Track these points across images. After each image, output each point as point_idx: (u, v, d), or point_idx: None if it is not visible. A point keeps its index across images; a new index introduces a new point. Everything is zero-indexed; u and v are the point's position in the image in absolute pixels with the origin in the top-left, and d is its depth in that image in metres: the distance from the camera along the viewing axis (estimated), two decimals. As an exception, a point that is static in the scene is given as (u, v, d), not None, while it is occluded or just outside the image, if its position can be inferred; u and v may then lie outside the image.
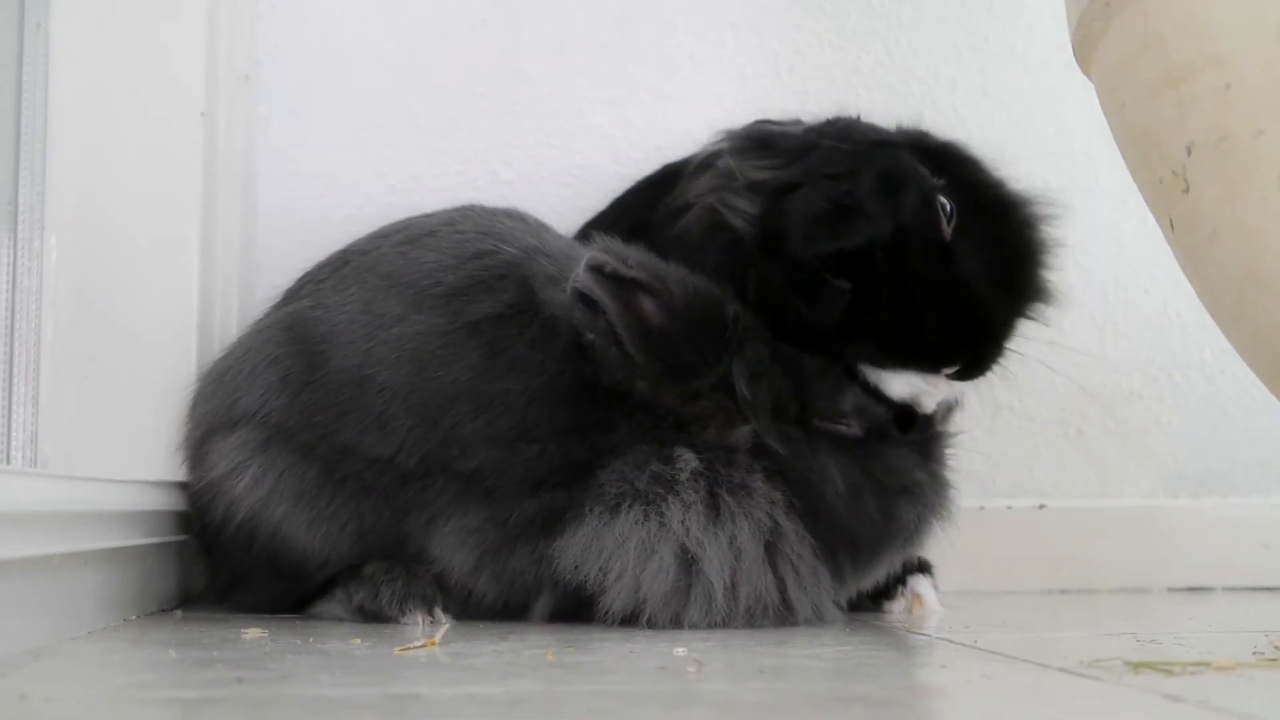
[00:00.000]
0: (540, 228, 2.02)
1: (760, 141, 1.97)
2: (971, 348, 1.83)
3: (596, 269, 1.73)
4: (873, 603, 2.03)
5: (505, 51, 2.54)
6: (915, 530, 1.84)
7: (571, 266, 1.80)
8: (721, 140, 2.00)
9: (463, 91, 2.53)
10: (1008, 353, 1.89)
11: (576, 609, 1.79)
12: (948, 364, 1.83)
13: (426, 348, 1.83)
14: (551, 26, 2.55)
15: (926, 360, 1.82)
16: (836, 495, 1.78)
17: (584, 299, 1.75)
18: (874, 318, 1.79)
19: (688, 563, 1.72)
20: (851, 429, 1.82)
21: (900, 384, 1.83)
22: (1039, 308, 1.94)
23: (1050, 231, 1.95)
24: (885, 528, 1.81)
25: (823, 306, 1.81)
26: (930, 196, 1.82)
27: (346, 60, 2.52)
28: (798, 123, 2.02)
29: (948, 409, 1.93)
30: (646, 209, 2.08)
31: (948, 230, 1.82)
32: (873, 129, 1.98)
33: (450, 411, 1.80)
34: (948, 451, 1.92)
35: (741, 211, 1.88)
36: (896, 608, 2.03)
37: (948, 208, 1.82)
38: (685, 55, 2.58)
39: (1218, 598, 2.44)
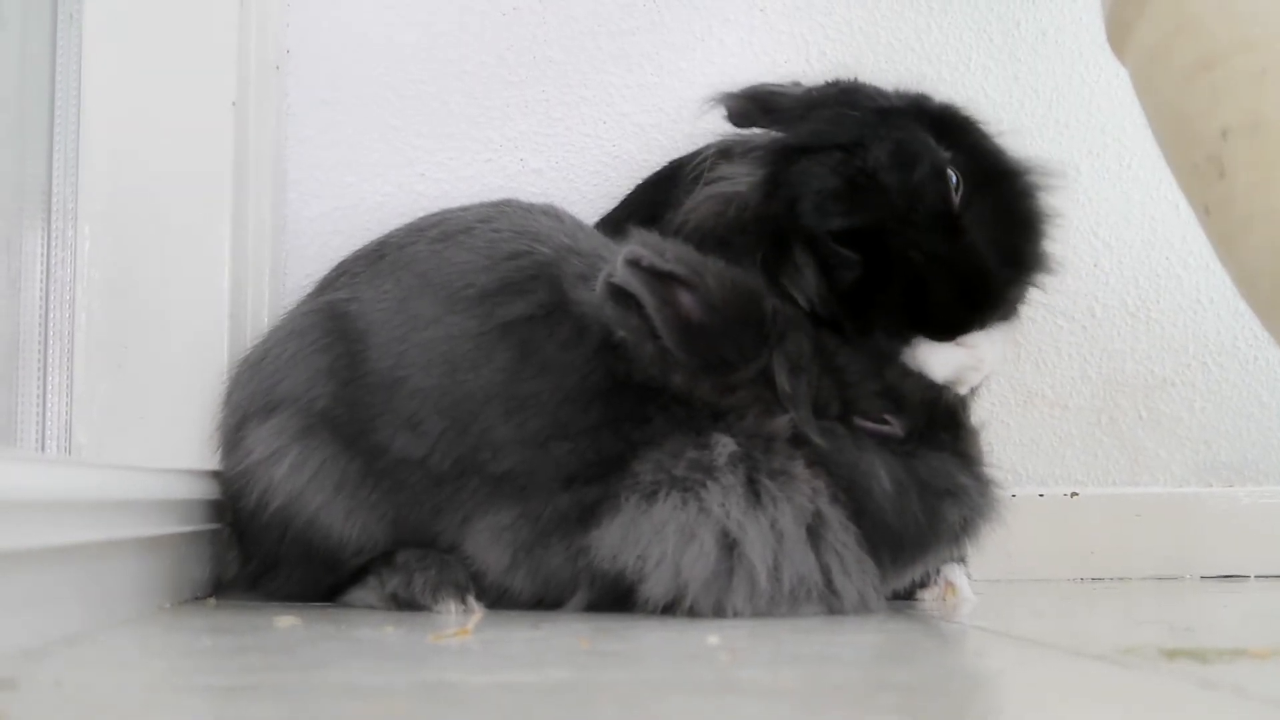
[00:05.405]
0: (576, 226, 2.01)
1: (760, 104, 1.97)
2: (980, 317, 1.85)
3: (633, 263, 1.71)
4: (905, 590, 2.03)
5: (534, 39, 2.53)
6: (961, 532, 1.81)
7: (602, 264, 1.79)
8: (720, 101, 2.00)
9: (492, 79, 2.53)
10: (1017, 320, 1.93)
11: (612, 604, 1.78)
12: (959, 333, 1.84)
13: (458, 350, 1.82)
14: (581, 13, 2.54)
15: (938, 331, 1.83)
16: (883, 494, 1.76)
17: (617, 294, 1.74)
18: (883, 292, 1.81)
19: (729, 546, 1.70)
20: (893, 428, 1.80)
21: (943, 363, 1.83)
22: (1042, 278, 1.96)
23: (1050, 201, 1.95)
24: (930, 529, 1.78)
25: (833, 275, 1.83)
26: (941, 170, 1.84)
27: (376, 49, 2.51)
28: (797, 84, 2.02)
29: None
30: (656, 208, 2.08)
31: (956, 202, 1.83)
32: (877, 93, 1.98)
33: (482, 415, 1.80)
34: (983, 446, 1.89)
35: (742, 178, 1.90)
36: (930, 596, 2.02)
37: (955, 180, 1.83)
38: (715, 41, 2.57)
39: (1251, 586, 2.42)
